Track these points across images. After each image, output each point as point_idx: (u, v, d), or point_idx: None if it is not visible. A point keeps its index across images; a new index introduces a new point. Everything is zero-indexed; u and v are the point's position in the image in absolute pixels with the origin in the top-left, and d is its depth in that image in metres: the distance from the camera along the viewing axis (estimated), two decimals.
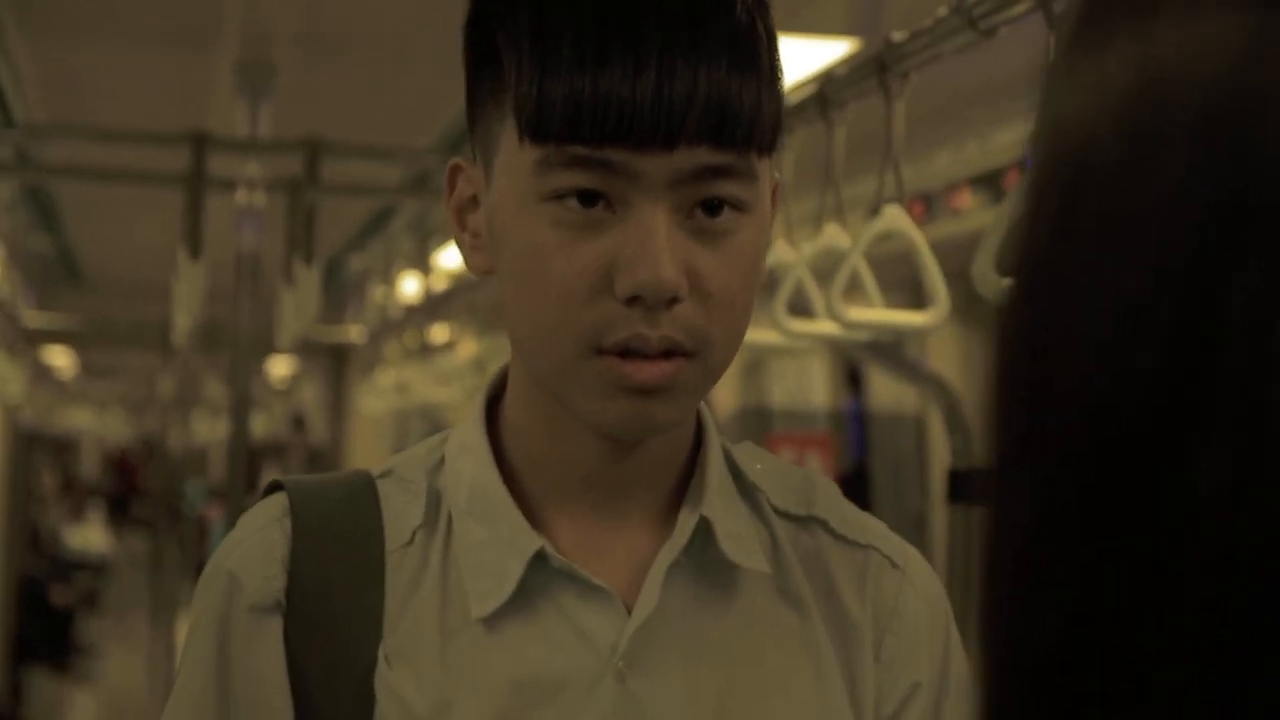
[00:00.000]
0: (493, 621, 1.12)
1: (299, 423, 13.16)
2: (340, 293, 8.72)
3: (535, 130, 1.04)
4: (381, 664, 1.12)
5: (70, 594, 12.46)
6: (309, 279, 3.84)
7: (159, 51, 4.13)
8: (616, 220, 1.04)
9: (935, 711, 1.20)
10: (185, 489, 10.54)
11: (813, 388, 5.56)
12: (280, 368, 12.11)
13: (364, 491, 1.18)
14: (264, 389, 13.52)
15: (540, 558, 1.12)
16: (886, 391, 5.21)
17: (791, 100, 2.66)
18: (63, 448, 18.59)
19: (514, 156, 1.07)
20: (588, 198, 1.04)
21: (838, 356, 5.17)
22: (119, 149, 4.24)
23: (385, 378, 7.06)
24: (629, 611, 1.13)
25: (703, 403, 1.17)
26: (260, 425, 14.92)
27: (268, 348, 6.60)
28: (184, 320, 3.78)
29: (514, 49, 1.06)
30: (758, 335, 2.75)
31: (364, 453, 9.70)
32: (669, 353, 1.05)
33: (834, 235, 2.47)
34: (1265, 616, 0.38)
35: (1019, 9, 1.93)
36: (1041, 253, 0.43)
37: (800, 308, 2.56)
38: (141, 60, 4.22)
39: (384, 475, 1.19)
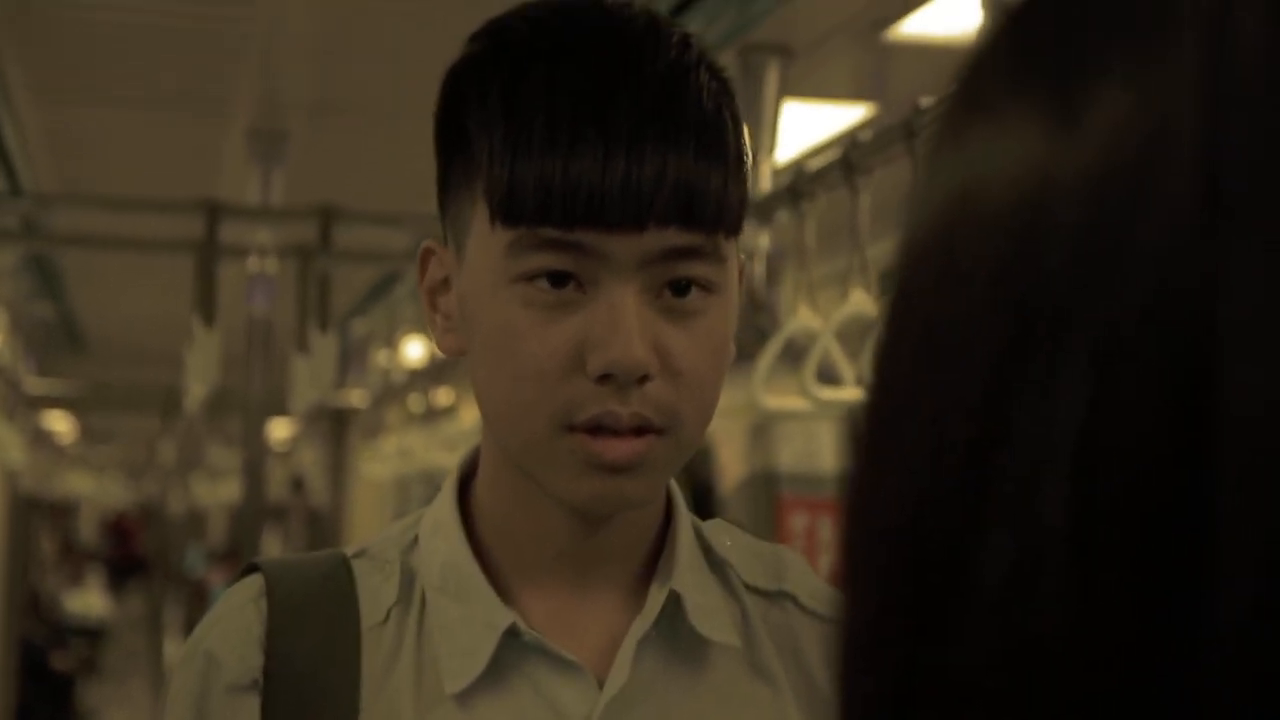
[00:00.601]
0: (466, 697, 1.13)
1: (298, 485, 13.10)
2: (343, 357, 8.70)
3: (507, 213, 1.06)
4: None
5: (70, 659, 12.39)
6: (325, 345, 3.82)
7: (171, 118, 4.13)
8: (587, 300, 1.06)
9: None
10: (186, 553, 10.50)
11: (821, 450, 5.52)
12: (281, 430, 12.07)
13: (339, 571, 1.19)
14: (264, 452, 13.48)
15: (512, 633, 1.13)
16: None
17: (814, 165, 2.65)
18: (61, 513, 18.52)
19: (485, 239, 1.08)
20: (558, 278, 1.06)
21: (846, 419, 5.14)
22: (128, 216, 4.22)
23: (388, 443, 7.03)
24: (601, 685, 1.14)
25: (672, 480, 1.18)
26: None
27: (275, 412, 6.58)
28: (198, 387, 3.75)
29: (486, 134, 1.07)
30: (781, 402, 2.73)
31: (365, 517, 9.65)
32: (640, 430, 1.07)
33: (861, 302, 2.46)
34: (1039, 706, 0.41)
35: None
36: (879, 365, 0.46)
37: (826, 374, 2.54)
38: (153, 126, 4.22)
39: (358, 555, 1.21)
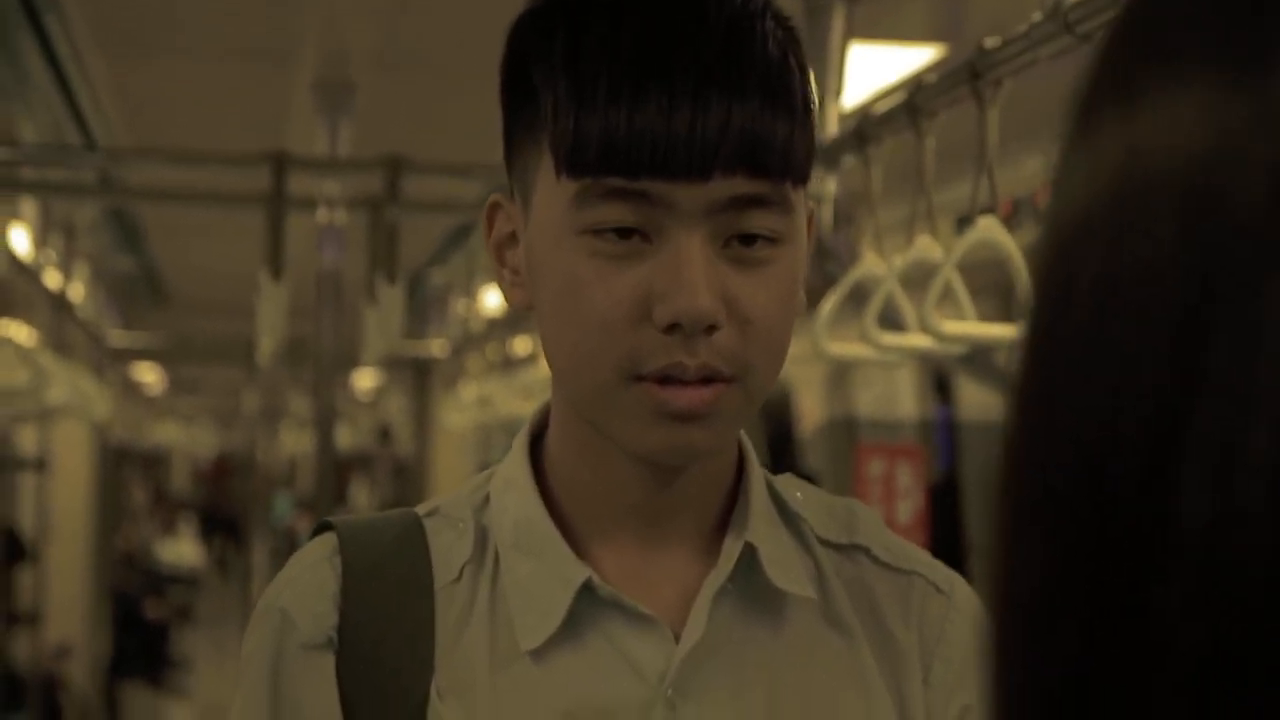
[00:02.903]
0: (542, 653, 1.13)
1: (385, 435, 13.19)
2: (422, 307, 8.73)
3: (572, 164, 1.05)
4: (434, 698, 1.12)
5: (164, 608, 12.56)
6: (393, 297, 3.81)
7: (238, 71, 4.13)
8: (653, 250, 1.06)
9: None
10: (274, 501, 10.60)
11: (900, 397, 5.49)
12: (365, 380, 12.16)
13: (412, 530, 1.19)
14: (349, 402, 13.59)
15: (587, 588, 1.13)
16: (975, 400, 5.14)
17: (879, 109, 2.61)
18: (153, 463, 18.75)
19: (551, 191, 1.08)
20: (624, 230, 1.06)
21: (925, 365, 5.10)
22: (200, 170, 4.23)
23: (468, 392, 7.05)
24: (676, 639, 1.13)
25: (743, 432, 1.18)
26: (347, 437, 15.00)
27: (351, 363, 6.61)
28: (268, 340, 3.76)
29: (550, 87, 1.07)
30: (845, 348, 2.70)
31: (448, 466, 9.71)
32: (708, 379, 1.06)
33: (926, 246, 2.41)
34: (1241, 654, 0.41)
35: (1116, 13, 1.87)
36: (1044, 323, 0.47)
37: (891, 320, 2.51)
38: (220, 80, 4.22)
39: (431, 514, 1.21)
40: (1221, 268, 0.42)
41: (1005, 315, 2.22)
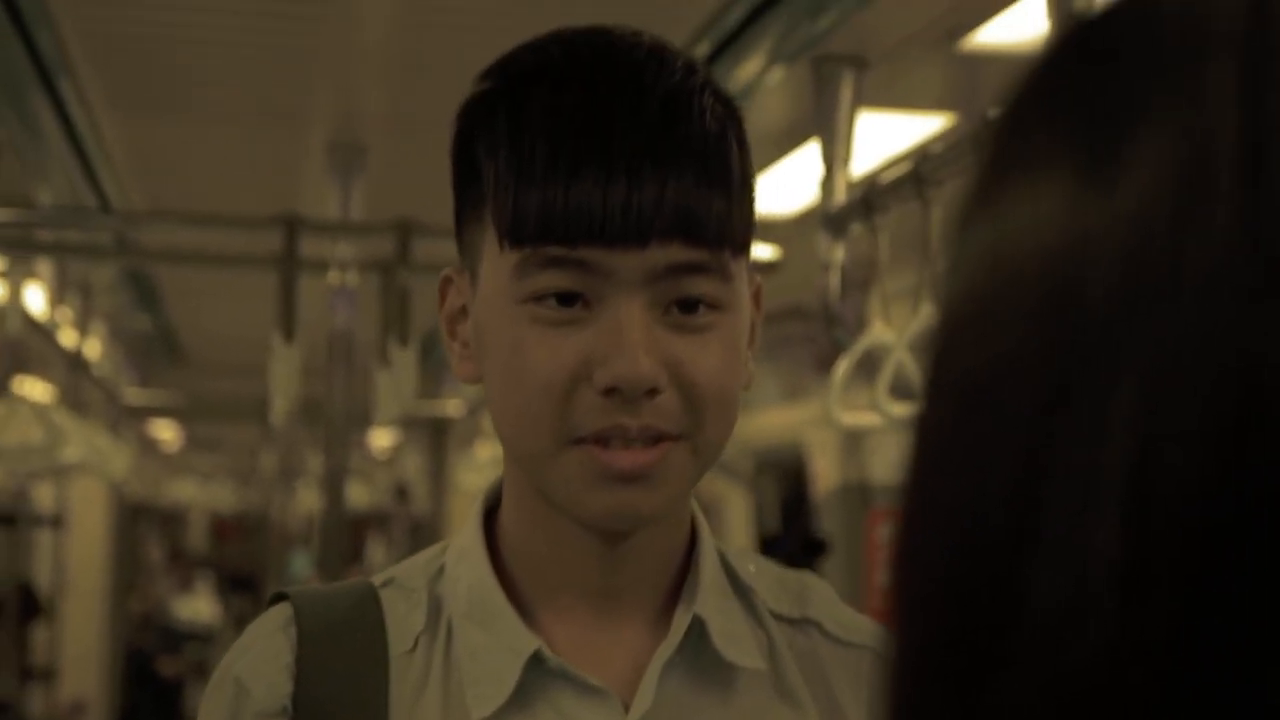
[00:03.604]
0: None
1: (402, 494, 13.18)
2: (437, 367, 8.74)
3: (512, 235, 1.07)
4: None
5: (179, 664, 12.53)
6: (405, 359, 3.82)
7: (250, 134, 4.15)
8: (594, 317, 1.07)
9: None
10: (291, 559, 10.59)
11: None
12: (382, 440, 12.15)
13: (367, 600, 1.20)
14: (366, 460, 13.58)
15: (537, 659, 1.14)
16: None
17: (886, 178, 2.61)
18: (170, 520, 18.74)
19: (495, 263, 1.10)
20: (566, 298, 1.07)
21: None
22: (213, 231, 4.25)
23: (484, 451, 7.06)
24: (627, 710, 1.14)
25: (695, 503, 1.20)
26: (363, 496, 14.98)
27: (366, 422, 6.60)
28: (281, 400, 3.76)
29: (492, 161, 1.09)
30: (857, 417, 2.70)
31: (464, 525, 9.69)
32: (654, 439, 1.08)
33: (933, 315, 2.41)
34: None
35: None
36: (920, 416, 0.48)
37: (902, 388, 2.51)
38: (233, 142, 4.24)
39: (386, 584, 1.22)
40: (1073, 362, 0.43)
41: None
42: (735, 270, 1.11)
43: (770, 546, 6.10)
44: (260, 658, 1.18)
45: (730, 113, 1.12)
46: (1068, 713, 0.41)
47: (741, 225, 1.10)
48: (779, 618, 1.23)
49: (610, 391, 1.06)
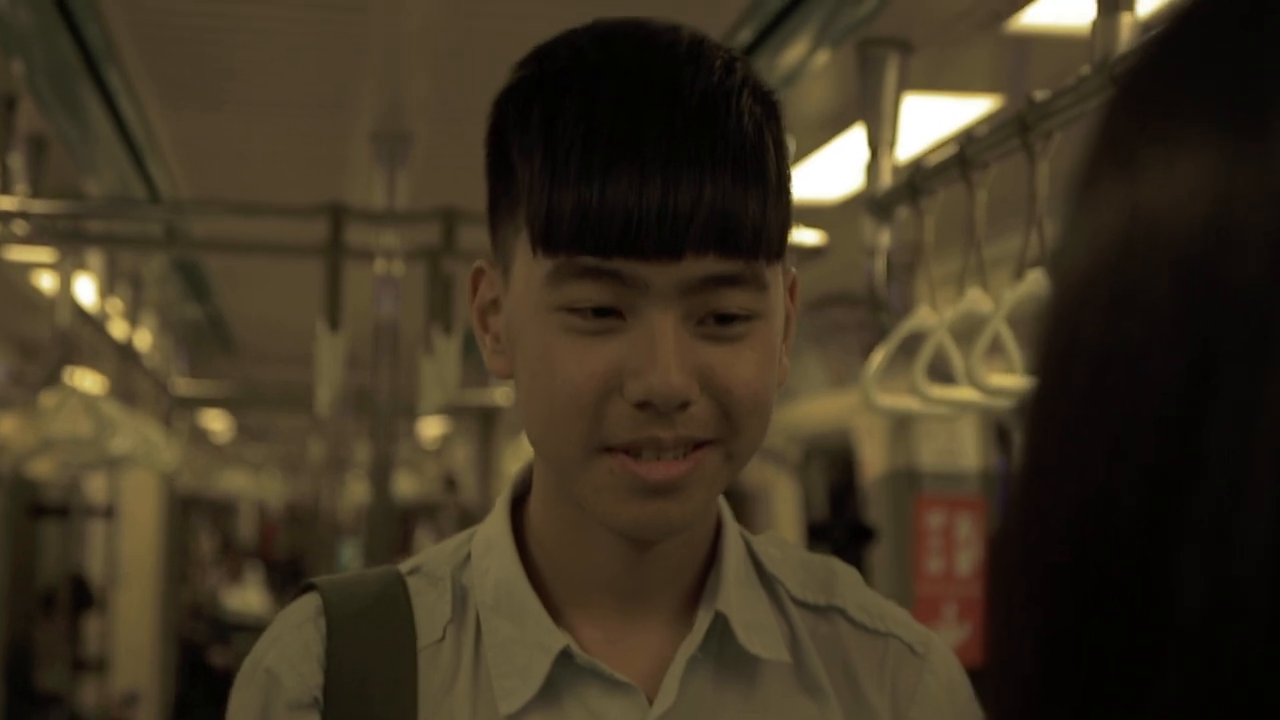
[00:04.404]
0: (521, 717, 1.14)
1: (451, 483, 13.22)
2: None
3: (546, 241, 1.06)
4: None
5: (229, 655, 12.60)
6: (449, 348, 3.82)
7: (297, 123, 4.16)
8: (627, 328, 1.06)
9: None
10: (341, 550, 10.61)
11: (963, 448, 5.45)
12: (431, 429, 12.19)
13: (394, 589, 1.21)
14: (415, 450, 13.62)
15: (565, 655, 1.14)
16: None
17: (932, 161, 2.60)
18: (221, 511, 18.84)
19: (528, 266, 1.09)
20: (600, 309, 1.06)
21: (987, 416, 5.06)
22: (259, 221, 4.26)
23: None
24: (652, 705, 1.15)
25: (721, 496, 1.19)
26: (412, 486, 15.03)
27: (412, 412, 6.62)
28: (326, 391, 3.77)
29: (526, 161, 1.08)
30: (894, 400, 2.69)
31: None
32: (689, 449, 1.08)
33: (976, 299, 2.40)
34: None
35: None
36: (1043, 396, 0.46)
37: (942, 372, 2.50)
38: (280, 132, 4.26)
39: (412, 572, 1.22)
40: (1219, 343, 0.41)
41: None
42: (770, 277, 1.10)
43: (818, 533, 6.09)
44: (291, 648, 1.18)
45: (769, 111, 1.11)
46: (1229, 706, 0.40)
47: (778, 230, 1.09)
48: (803, 605, 1.24)
49: (643, 405, 1.06)
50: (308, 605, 1.21)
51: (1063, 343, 0.45)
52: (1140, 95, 0.46)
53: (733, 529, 1.21)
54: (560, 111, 1.07)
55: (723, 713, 1.17)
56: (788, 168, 1.11)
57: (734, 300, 1.07)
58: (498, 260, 1.15)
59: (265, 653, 1.19)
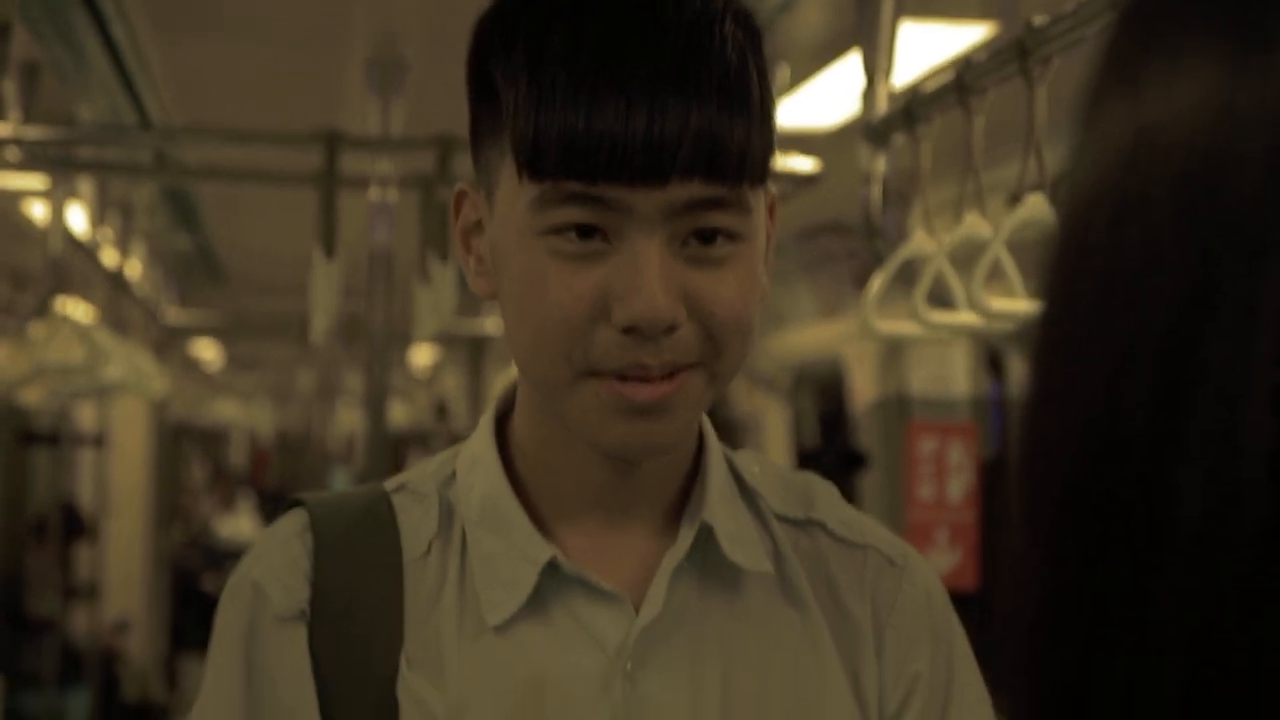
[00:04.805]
0: (508, 627, 1.16)
1: (442, 411, 13.23)
2: None
3: (532, 167, 1.07)
4: (403, 669, 1.16)
5: (223, 582, 12.63)
6: (444, 275, 3.82)
7: (290, 51, 4.14)
8: (612, 251, 1.08)
9: (943, 699, 1.23)
10: (332, 478, 10.65)
11: (953, 375, 5.47)
12: (422, 357, 12.19)
13: (380, 505, 1.22)
14: (406, 379, 13.63)
15: (552, 565, 1.16)
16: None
17: (929, 87, 2.60)
18: (212, 439, 18.86)
19: (513, 190, 1.10)
20: (585, 230, 1.07)
21: (978, 343, 5.08)
22: (252, 148, 4.25)
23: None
24: (638, 614, 1.17)
25: (703, 413, 1.21)
26: (404, 414, 15.04)
27: (405, 340, 6.62)
28: (321, 319, 3.77)
29: (511, 86, 1.08)
30: (894, 326, 2.69)
31: None
32: (672, 372, 1.09)
33: (974, 224, 2.41)
34: (1234, 646, 0.40)
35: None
36: (1051, 308, 0.47)
37: (940, 298, 2.50)
38: (273, 60, 4.24)
39: (398, 490, 1.24)
40: (1219, 249, 0.41)
41: None
42: (753, 201, 1.12)
43: (809, 460, 6.11)
44: (278, 563, 1.20)
45: (751, 38, 1.12)
46: (1230, 612, 0.40)
47: (761, 155, 1.11)
48: (784, 519, 1.26)
49: (629, 330, 1.07)
50: (294, 521, 1.22)
51: (1069, 264, 0.46)
52: (1144, 13, 0.47)
53: (715, 445, 1.24)
54: (545, 37, 1.08)
55: (707, 621, 1.19)
56: (770, 92, 1.13)
57: (718, 220, 1.09)
58: (481, 183, 1.16)
59: (252, 567, 1.21)
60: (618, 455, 1.15)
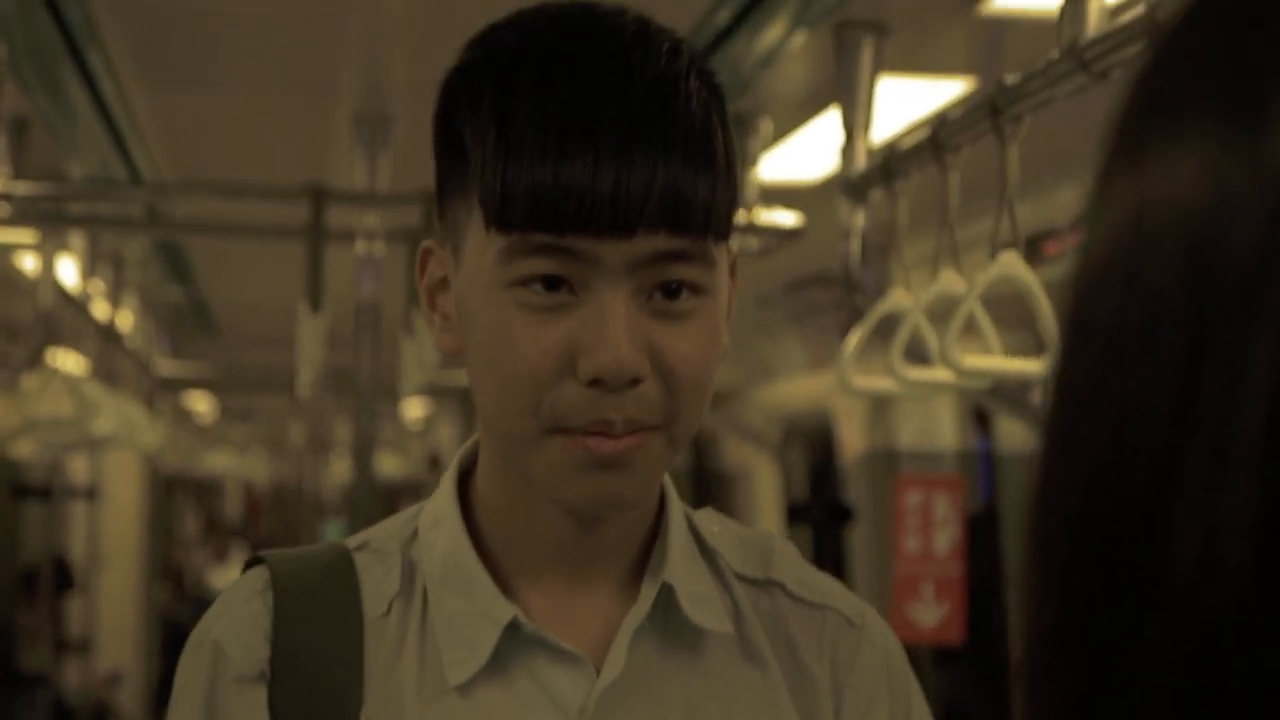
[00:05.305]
0: (469, 688, 1.16)
1: (435, 463, 13.23)
2: None
3: (500, 219, 1.08)
4: None
5: None
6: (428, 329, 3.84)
7: (278, 104, 4.17)
8: (578, 304, 1.09)
9: None
10: (325, 529, 10.63)
11: (940, 428, 5.48)
12: (415, 409, 12.19)
13: (341, 563, 1.22)
14: (399, 430, 13.62)
15: (513, 625, 1.17)
16: (1016, 431, 5.12)
17: (906, 143, 2.62)
18: (206, 491, 18.83)
19: (480, 243, 1.11)
20: (552, 282, 1.09)
21: (964, 398, 5.09)
22: (241, 202, 4.27)
23: None
24: (598, 675, 1.17)
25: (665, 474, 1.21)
26: (396, 466, 15.03)
27: (394, 392, 6.63)
28: (307, 372, 3.79)
29: (479, 141, 1.10)
30: (870, 382, 2.71)
31: None
32: (635, 430, 1.10)
33: (950, 281, 2.43)
34: (1222, 682, 0.43)
35: (1131, 51, 1.88)
36: (1062, 368, 0.49)
37: (918, 353, 2.52)
38: (261, 113, 4.26)
39: (360, 548, 1.24)
40: (1216, 313, 0.44)
41: (1039, 349, 2.23)
42: (717, 255, 1.13)
43: (797, 514, 6.12)
44: (238, 622, 1.19)
45: (714, 94, 1.14)
46: (1204, 660, 0.43)
47: (725, 209, 1.12)
48: (743, 579, 1.27)
49: (594, 382, 1.08)
50: (255, 579, 1.22)
51: (1081, 322, 0.49)
52: (1148, 88, 0.49)
53: (677, 504, 1.25)
54: (513, 93, 1.09)
55: (668, 682, 1.20)
56: (734, 150, 1.15)
57: (682, 273, 1.10)
58: (447, 239, 1.18)
59: (212, 625, 1.20)
60: (581, 510, 1.15)
